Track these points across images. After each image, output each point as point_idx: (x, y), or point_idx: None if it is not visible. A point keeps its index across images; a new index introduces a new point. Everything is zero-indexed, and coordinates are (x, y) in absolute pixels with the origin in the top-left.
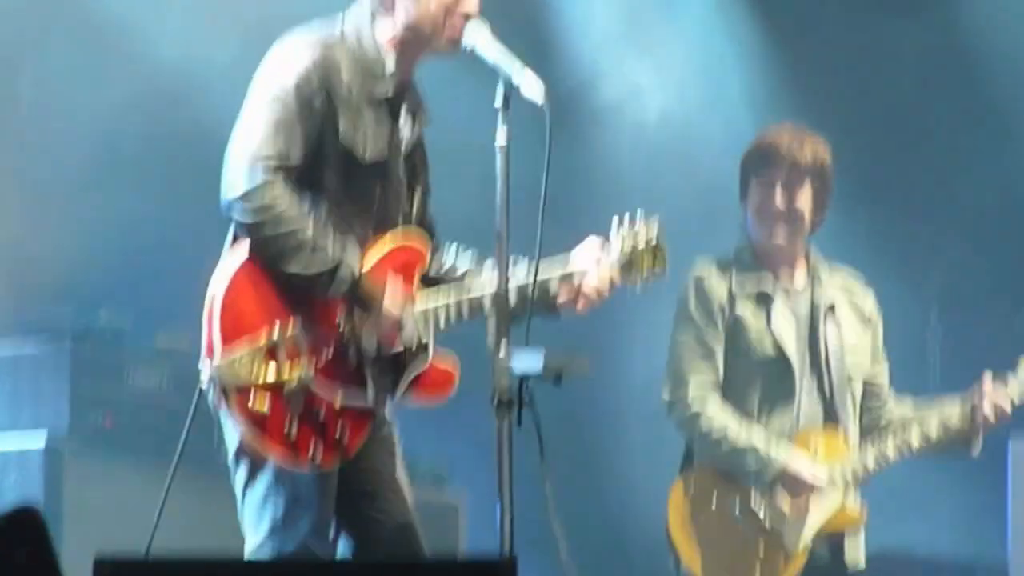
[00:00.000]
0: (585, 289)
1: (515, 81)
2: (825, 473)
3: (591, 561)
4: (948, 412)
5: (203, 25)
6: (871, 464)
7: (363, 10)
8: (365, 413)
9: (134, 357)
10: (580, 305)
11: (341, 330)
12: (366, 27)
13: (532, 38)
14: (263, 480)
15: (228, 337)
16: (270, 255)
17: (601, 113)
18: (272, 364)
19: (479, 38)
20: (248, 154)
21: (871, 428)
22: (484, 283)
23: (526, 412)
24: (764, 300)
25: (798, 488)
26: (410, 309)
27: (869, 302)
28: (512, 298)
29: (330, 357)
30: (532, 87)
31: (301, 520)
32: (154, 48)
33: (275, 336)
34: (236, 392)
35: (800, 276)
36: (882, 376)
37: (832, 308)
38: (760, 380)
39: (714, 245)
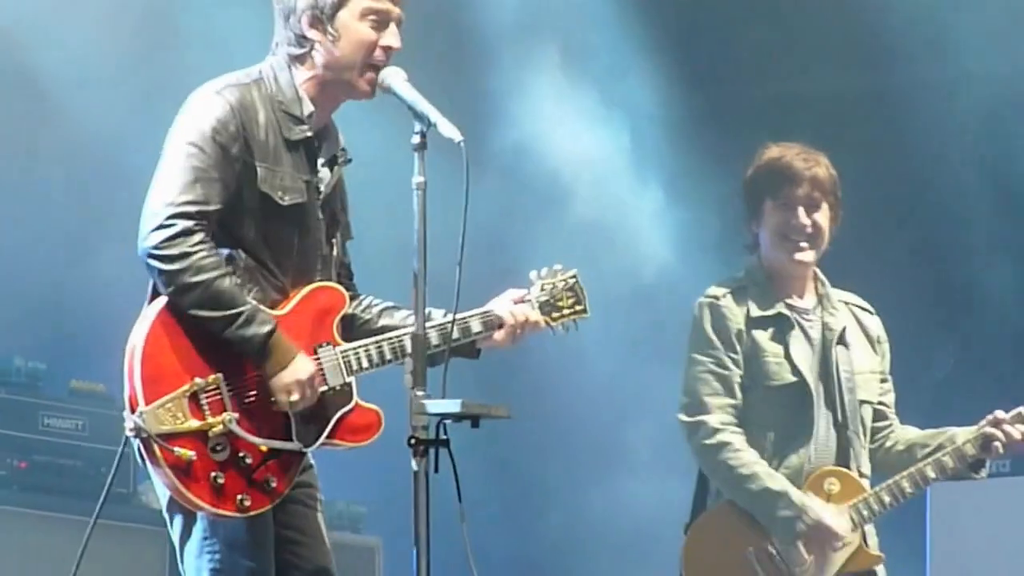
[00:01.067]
0: (506, 318)
1: (432, 119)
2: (849, 535)
3: None
4: (962, 443)
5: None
6: (887, 499)
7: (279, 59)
8: (292, 456)
9: (50, 401)
10: (500, 336)
11: (263, 375)
12: (283, 70)
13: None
14: (198, 530)
15: (150, 387)
16: (187, 303)
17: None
18: (196, 411)
19: (396, 79)
20: (165, 203)
21: (878, 450)
22: (403, 326)
23: (443, 453)
24: (782, 324)
25: (820, 546)
26: (330, 351)
27: (876, 324)
28: (433, 338)
29: (254, 402)
30: (449, 125)
31: (240, 566)
32: (68, 98)
33: (198, 383)
34: (161, 440)
35: (810, 298)
36: (889, 397)
37: (843, 331)
38: (778, 407)
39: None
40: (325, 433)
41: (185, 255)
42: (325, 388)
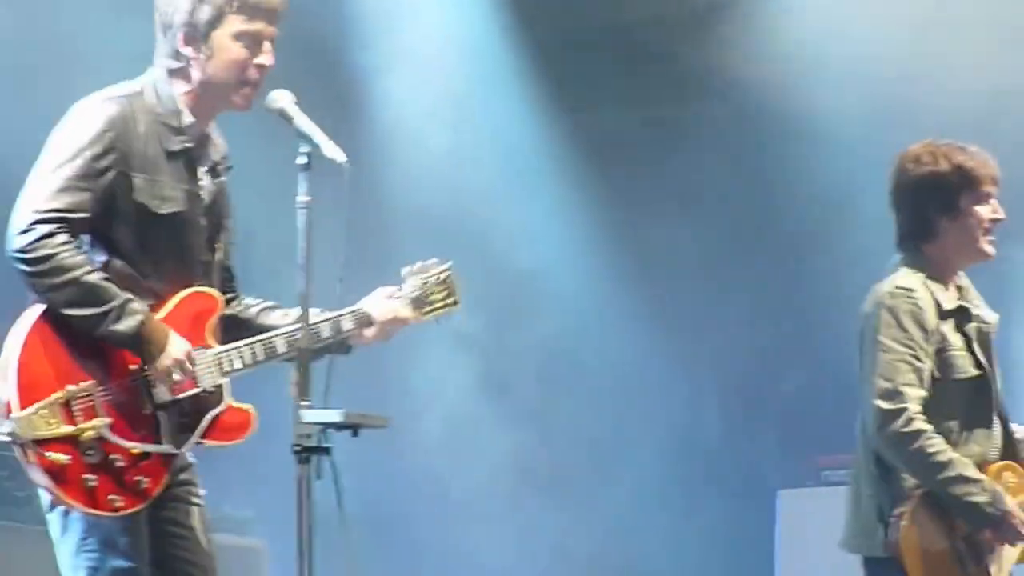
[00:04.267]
0: (377, 316)
1: (317, 140)
2: None
3: None
4: None
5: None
6: None
7: (159, 70)
8: (164, 458)
9: None
10: (370, 333)
11: (134, 380)
12: (163, 83)
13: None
14: (76, 530)
15: (25, 394)
16: (58, 303)
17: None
18: (68, 417)
19: (285, 102)
20: (31, 209)
21: None
22: (280, 325)
23: (325, 461)
24: (961, 318)
25: (1005, 535)
26: (203, 353)
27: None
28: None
29: (125, 407)
30: (333, 147)
31: (115, 566)
32: None
33: (70, 390)
34: (35, 445)
35: (952, 290)
36: None
37: (991, 325)
38: (962, 400)
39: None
40: (197, 434)
41: (48, 257)
42: (197, 390)
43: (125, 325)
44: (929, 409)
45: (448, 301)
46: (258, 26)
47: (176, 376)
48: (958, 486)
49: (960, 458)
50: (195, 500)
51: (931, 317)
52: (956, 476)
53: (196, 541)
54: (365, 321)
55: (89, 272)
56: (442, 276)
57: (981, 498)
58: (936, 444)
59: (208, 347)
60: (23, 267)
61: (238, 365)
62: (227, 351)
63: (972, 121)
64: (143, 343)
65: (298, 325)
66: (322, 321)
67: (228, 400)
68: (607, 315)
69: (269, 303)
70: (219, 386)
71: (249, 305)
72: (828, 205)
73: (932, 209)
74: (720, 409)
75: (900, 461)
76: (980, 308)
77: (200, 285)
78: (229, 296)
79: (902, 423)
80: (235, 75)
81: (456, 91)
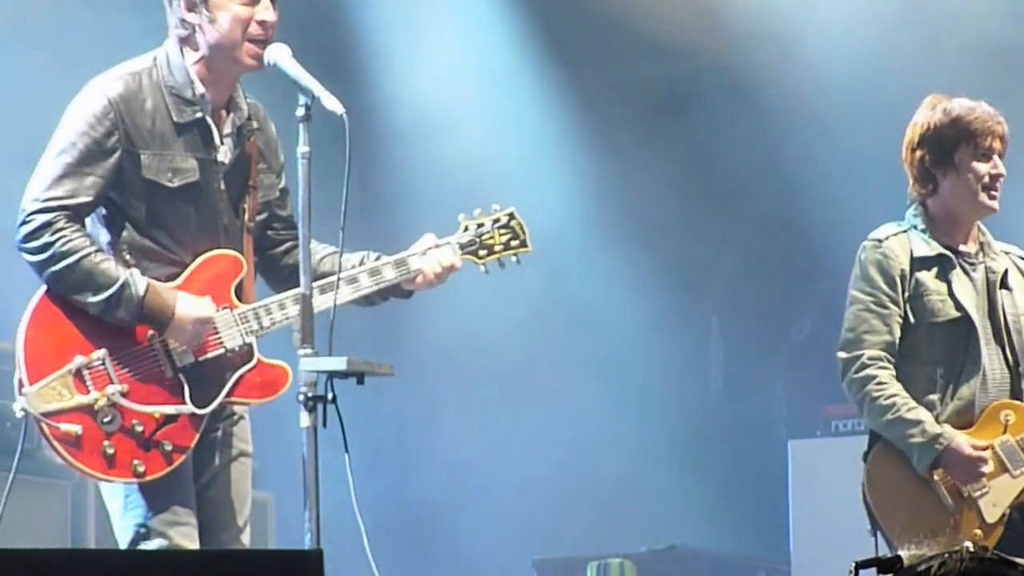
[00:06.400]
0: (420, 266)
1: (316, 93)
2: (990, 455)
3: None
4: None
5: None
6: None
7: (171, 41)
8: (192, 419)
9: None
10: (418, 281)
11: (152, 345)
12: (175, 54)
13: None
14: (119, 490)
15: (33, 369)
16: (61, 290)
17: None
18: (81, 387)
19: (281, 55)
20: (31, 199)
21: None
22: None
23: (331, 409)
24: (944, 264)
25: (963, 471)
26: (227, 314)
27: None
28: (365, 279)
29: (143, 373)
30: (332, 99)
31: (161, 519)
32: None
33: (79, 360)
34: (45, 419)
35: (973, 245)
36: None
37: (1006, 274)
38: (944, 342)
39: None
40: (223, 394)
41: (47, 246)
42: (222, 351)
43: (124, 311)
44: (910, 355)
45: (513, 244)
46: None
47: (196, 339)
48: (897, 428)
49: (906, 400)
50: (231, 454)
51: (899, 263)
52: (896, 419)
53: (223, 495)
54: (407, 270)
55: (86, 256)
56: (503, 220)
57: (919, 440)
58: (883, 388)
59: (232, 307)
60: (26, 256)
61: (266, 323)
62: (253, 309)
63: None
64: (148, 319)
65: (360, 269)
66: (361, 271)
67: (258, 357)
68: (611, 269)
69: (331, 249)
70: (248, 344)
71: (312, 252)
72: (832, 152)
73: (930, 163)
74: (727, 360)
75: (856, 404)
76: (996, 259)
77: (223, 248)
78: (287, 246)
79: (855, 370)
80: (239, 33)
81: (458, 51)
